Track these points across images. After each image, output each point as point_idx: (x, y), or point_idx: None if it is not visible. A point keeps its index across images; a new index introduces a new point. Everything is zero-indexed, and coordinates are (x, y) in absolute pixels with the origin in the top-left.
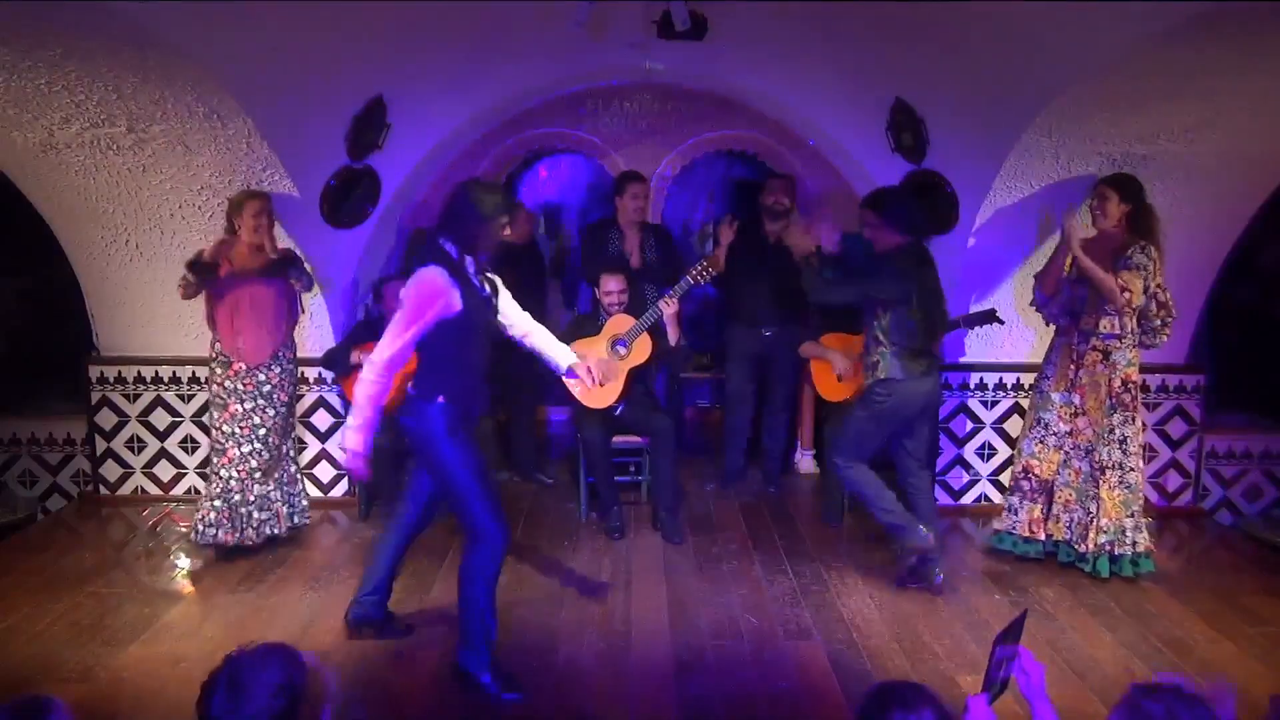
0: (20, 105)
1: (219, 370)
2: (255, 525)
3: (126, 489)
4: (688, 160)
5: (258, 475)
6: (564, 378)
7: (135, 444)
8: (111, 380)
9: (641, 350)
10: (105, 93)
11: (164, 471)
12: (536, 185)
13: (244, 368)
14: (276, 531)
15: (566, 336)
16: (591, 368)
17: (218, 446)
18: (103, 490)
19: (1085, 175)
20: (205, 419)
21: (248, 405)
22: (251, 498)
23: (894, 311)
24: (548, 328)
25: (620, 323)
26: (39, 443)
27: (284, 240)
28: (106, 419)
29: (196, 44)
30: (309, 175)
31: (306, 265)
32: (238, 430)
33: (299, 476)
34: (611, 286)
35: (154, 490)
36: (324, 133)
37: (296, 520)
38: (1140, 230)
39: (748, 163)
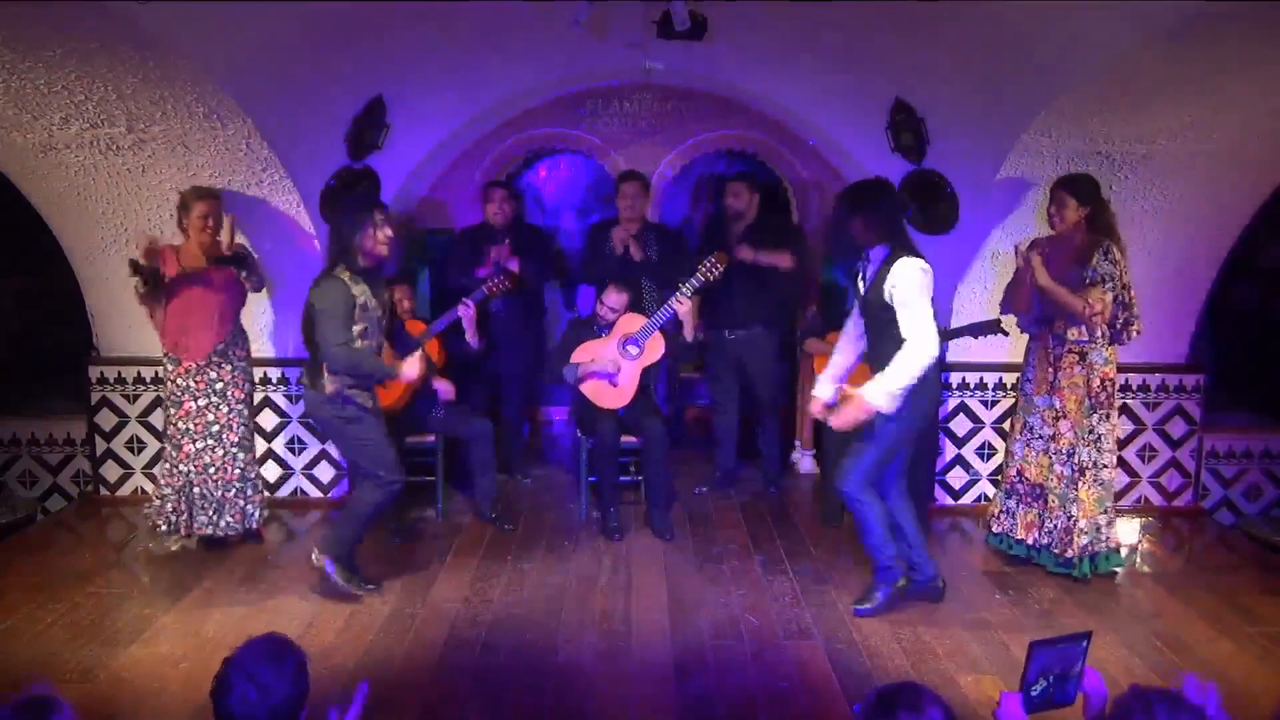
0: (20, 105)
1: (170, 368)
2: (209, 515)
3: (126, 489)
4: (688, 160)
5: (211, 471)
6: (578, 382)
7: (135, 444)
8: (111, 380)
9: (654, 349)
10: (105, 93)
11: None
12: (536, 185)
13: (194, 365)
14: (236, 530)
15: (567, 340)
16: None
17: (175, 442)
18: (103, 490)
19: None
20: (153, 418)
21: (201, 403)
22: (207, 492)
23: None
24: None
25: (631, 322)
26: (39, 443)
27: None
28: (106, 419)
29: (196, 44)
30: (309, 175)
31: (259, 265)
32: (192, 427)
33: (257, 475)
34: (613, 303)
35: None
36: (324, 133)
37: (254, 521)
38: (1100, 229)
39: (748, 163)
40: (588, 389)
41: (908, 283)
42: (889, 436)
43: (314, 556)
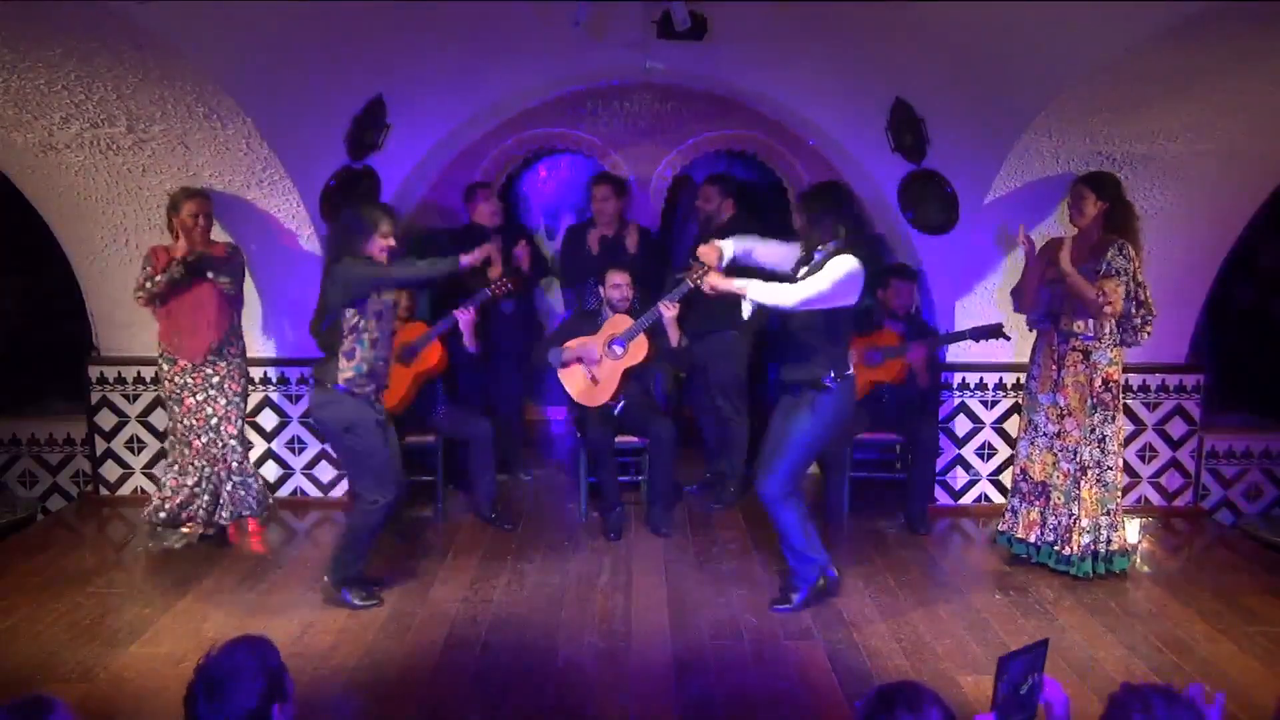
0: (20, 105)
1: (166, 367)
2: (216, 509)
3: (126, 489)
4: (688, 160)
5: (218, 465)
6: (561, 366)
7: (135, 444)
8: (111, 380)
9: (637, 351)
10: (105, 93)
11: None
12: (536, 185)
13: (189, 364)
14: (242, 516)
15: (565, 327)
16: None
17: (184, 438)
18: (103, 490)
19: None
20: (153, 417)
21: (200, 397)
22: (217, 484)
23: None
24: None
25: (618, 323)
26: (39, 443)
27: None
28: (106, 419)
29: (196, 44)
30: (309, 175)
31: (239, 269)
32: (195, 423)
33: (253, 469)
34: (616, 281)
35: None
36: (324, 133)
37: (255, 510)
38: (1116, 227)
39: (748, 163)
40: (568, 384)
41: (834, 268)
42: (803, 443)
43: (325, 579)
